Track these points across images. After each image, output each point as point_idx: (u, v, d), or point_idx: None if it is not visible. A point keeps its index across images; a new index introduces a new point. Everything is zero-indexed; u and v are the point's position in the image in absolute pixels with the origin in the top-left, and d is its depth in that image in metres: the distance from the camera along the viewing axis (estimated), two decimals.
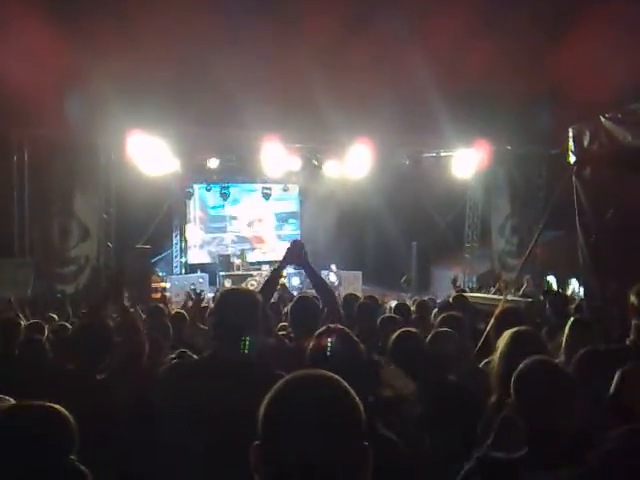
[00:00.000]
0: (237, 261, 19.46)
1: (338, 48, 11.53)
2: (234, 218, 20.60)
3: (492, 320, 4.08)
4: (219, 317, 2.45)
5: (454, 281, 10.55)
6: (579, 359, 2.88)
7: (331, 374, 1.29)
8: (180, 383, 2.32)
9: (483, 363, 3.65)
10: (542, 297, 7.92)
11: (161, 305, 7.06)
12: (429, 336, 3.70)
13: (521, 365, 2.28)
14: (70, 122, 11.80)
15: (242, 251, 19.99)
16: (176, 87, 11.58)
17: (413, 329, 3.77)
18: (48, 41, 10.33)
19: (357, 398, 1.25)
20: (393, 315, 5.31)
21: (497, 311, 4.41)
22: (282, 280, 18.30)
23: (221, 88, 11.42)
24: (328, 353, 2.29)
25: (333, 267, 18.86)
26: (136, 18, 10.47)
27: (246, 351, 2.31)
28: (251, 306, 2.45)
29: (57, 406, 1.86)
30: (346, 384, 1.27)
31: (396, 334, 3.53)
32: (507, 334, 2.93)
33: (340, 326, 2.55)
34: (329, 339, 2.35)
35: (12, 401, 2.27)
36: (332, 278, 18.54)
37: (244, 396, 2.05)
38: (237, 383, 2.20)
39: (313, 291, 3.92)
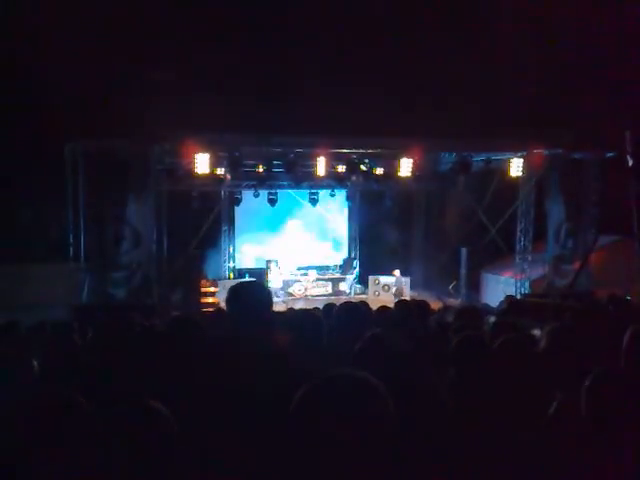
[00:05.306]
0: (284, 266, 19.44)
1: (389, 54, 11.48)
2: (282, 222, 20.63)
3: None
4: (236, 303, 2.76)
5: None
6: None
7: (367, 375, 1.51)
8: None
9: None
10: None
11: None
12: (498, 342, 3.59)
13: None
14: (124, 131, 12.06)
15: (289, 256, 19.97)
16: (226, 94, 11.69)
17: (475, 333, 3.70)
18: (100, 51, 10.60)
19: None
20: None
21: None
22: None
23: (271, 94, 11.50)
24: None
25: (397, 272, 18.40)
26: (190, 26, 10.66)
27: None
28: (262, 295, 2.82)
29: None
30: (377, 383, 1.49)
31: (458, 338, 3.46)
32: None
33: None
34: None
35: None
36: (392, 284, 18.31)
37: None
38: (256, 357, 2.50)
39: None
